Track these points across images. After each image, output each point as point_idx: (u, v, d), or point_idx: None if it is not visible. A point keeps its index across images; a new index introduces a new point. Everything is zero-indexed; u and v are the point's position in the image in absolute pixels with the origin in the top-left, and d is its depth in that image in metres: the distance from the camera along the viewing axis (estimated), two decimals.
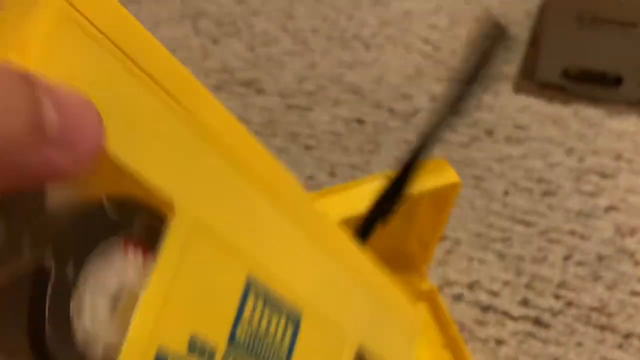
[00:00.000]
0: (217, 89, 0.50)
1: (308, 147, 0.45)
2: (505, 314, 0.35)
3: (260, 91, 0.50)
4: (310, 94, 0.49)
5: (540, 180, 0.42)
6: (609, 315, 0.35)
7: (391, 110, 0.47)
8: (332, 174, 0.44)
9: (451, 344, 0.33)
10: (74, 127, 0.12)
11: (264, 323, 0.18)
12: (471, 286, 0.37)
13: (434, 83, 0.49)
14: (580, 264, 0.37)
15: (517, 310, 0.35)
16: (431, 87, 0.48)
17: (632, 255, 0.37)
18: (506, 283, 0.37)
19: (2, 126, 0.11)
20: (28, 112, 0.11)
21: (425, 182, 0.28)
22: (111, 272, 0.15)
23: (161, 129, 0.15)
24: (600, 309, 0.35)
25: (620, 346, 0.34)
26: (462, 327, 0.35)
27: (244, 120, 0.48)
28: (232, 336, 0.17)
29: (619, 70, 0.44)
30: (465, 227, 0.39)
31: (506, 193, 0.41)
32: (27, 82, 0.11)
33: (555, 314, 0.35)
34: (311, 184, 0.43)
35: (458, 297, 0.36)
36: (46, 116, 0.11)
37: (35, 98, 0.11)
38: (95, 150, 0.12)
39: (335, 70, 0.50)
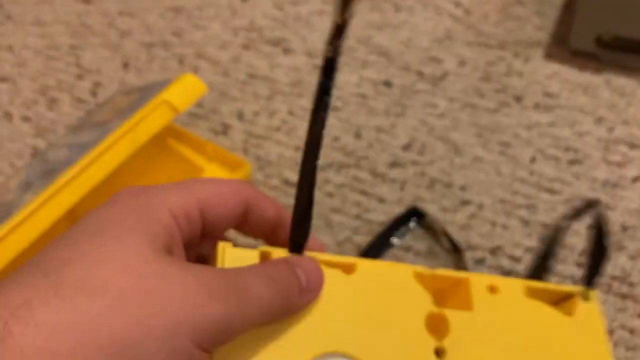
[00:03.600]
0: (244, 47, 0.50)
1: (334, 109, 0.45)
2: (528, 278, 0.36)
3: (287, 51, 0.49)
4: None
5: (567, 149, 0.41)
6: (631, 284, 0.35)
7: (419, 73, 0.47)
8: (357, 135, 0.44)
9: None
10: (312, 281, 0.24)
11: None
12: (493, 251, 0.37)
13: (464, 47, 0.48)
14: None
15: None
16: (461, 51, 0.48)
17: None
18: (529, 249, 0.37)
19: (290, 294, 0.23)
20: (297, 283, 0.23)
21: None
22: None
23: None
24: (622, 278, 0.35)
25: None
26: None
27: (271, 79, 0.48)
28: None
29: None
30: (489, 193, 0.39)
31: (533, 160, 0.41)
32: (291, 266, 0.23)
33: (576, 281, 0.35)
34: (336, 145, 0.43)
35: (480, 261, 0.37)
36: (302, 280, 0.23)
37: (297, 274, 0.23)
38: (320, 289, 0.24)
39: (364, 31, 0.50)
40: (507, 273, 0.36)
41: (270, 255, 0.25)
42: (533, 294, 0.30)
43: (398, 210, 0.39)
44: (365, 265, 0.27)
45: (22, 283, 0.19)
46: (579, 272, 0.36)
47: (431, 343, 0.26)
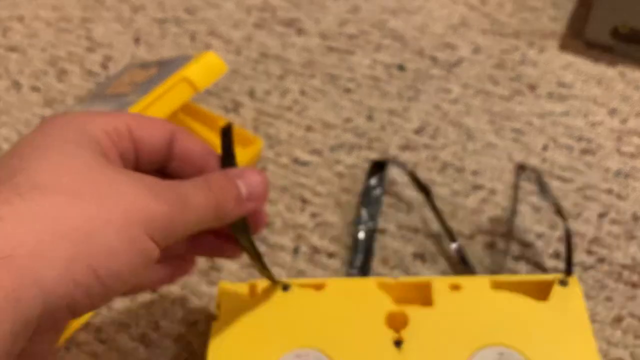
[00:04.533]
0: (257, 27, 0.50)
1: (347, 90, 0.45)
2: (537, 264, 0.35)
3: (300, 31, 0.49)
4: (352, 37, 0.48)
5: (580, 138, 0.41)
6: None
7: (433, 59, 0.46)
8: (369, 117, 0.43)
9: None
10: (254, 191, 0.26)
11: None
12: (504, 236, 0.37)
13: (479, 35, 0.48)
14: (615, 222, 0.37)
15: (549, 262, 0.35)
16: (475, 39, 0.47)
17: None
18: (539, 235, 0.37)
19: (228, 203, 0.25)
20: (234, 194, 0.25)
21: None
22: None
23: None
24: (633, 267, 0.35)
25: None
26: (493, 274, 0.35)
27: (283, 59, 0.47)
28: None
29: None
30: (501, 178, 0.39)
31: (545, 148, 0.41)
32: (230, 177, 0.25)
33: (586, 268, 0.35)
34: (348, 126, 0.43)
35: (490, 246, 0.36)
36: (242, 190, 0.25)
37: (236, 185, 0.25)
38: (265, 198, 0.27)
39: (379, 15, 0.50)
40: (517, 258, 0.36)
41: (256, 287, 0.31)
42: (503, 286, 0.31)
43: (409, 192, 0.39)
44: (334, 282, 0.32)
45: None
46: (589, 260, 0.35)
47: (390, 335, 0.30)
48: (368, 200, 0.38)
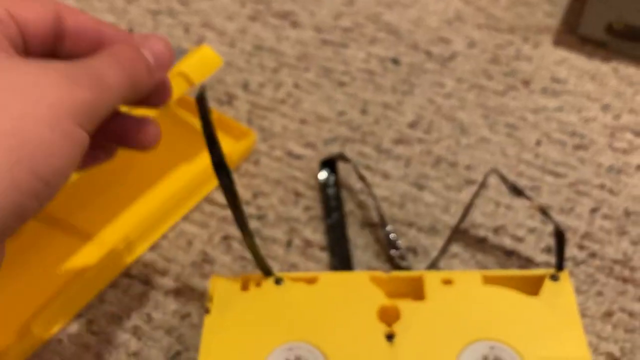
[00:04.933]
0: (251, 19, 0.50)
1: (341, 84, 0.45)
2: (528, 259, 0.36)
3: (295, 24, 0.49)
4: (346, 30, 0.48)
5: (573, 134, 0.41)
6: (632, 269, 0.35)
7: (428, 53, 0.46)
8: (363, 111, 0.43)
9: None
10: (160, 58, 0.26)
11: None
12: (496, 230, 0.37)
13: (473, 29, 0.48)
14: (607, 217, 0.37)
15: (540, 257, 0.36)
16: (470, 33, 0.47)
17: None
18: (531, 230, 0.37)
19: (141, 76, 0.25)
20: (145, 64, 0.25)
21: None
22: None
23: None
24: (624, 262, 0.35)
25: None
26: (484, 269, 0.35)
27: (277, 51, 0.47)
28: None
29: None
30: (492, 168, 0.39)
31: (538, 143, 0.41)
32: (136, 49, 0.25)
33: (578, 263, 0.35)
34: (342, 119, 0.43)
35: (482, 240, 0.36)
36: (150, 59, 0.25)
37: (144, 56, 0.25)
38: (170, 64, 0.27)
39: (373, 8, 0.50)
40: (509, 253, 0.36)
41: (249, 280, 0.31)
42: (494, 281, 0.31)
43: (402, 186, 0.39)
44: (326, 276, 0.32)
45: None
46: (580, 255, 0.36)
47: (382, 329, 0.30)
48: (326, 197, 0.38)
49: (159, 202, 0.38)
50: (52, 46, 0.24)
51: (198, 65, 0.36)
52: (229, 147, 0.40)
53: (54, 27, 0.24)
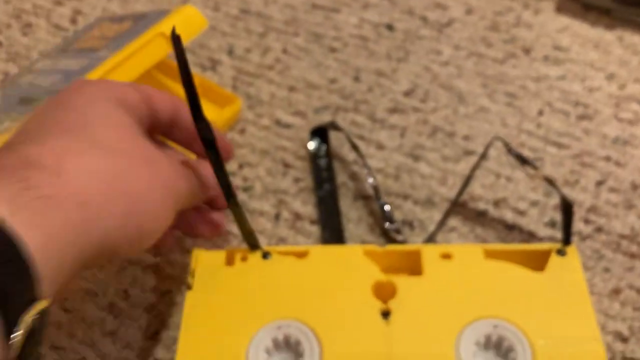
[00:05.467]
0: None
1: (332, 49, 0.43)
2: (531, 234, 0.34)
3: None
4: None
5: (577, 104, 0.39)
6: None
7: (424, 19, 0.44)
8: (356, 79, 0.41)
9: None
10: (206, 181, 0.28)
11: None
12: (497, 203, 0.35)
13: None
14: (613, 190, 0.35)
15: (544, 231, 0.34)
16: None
17: None
18: (534, 203, 0.35)
19: (206, 189, 0.28)
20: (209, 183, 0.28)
21: None
22: None
23: None
24: (631, 237, 0.33)
25: None
26: (485, 244, 0.33)
27: (265, 15, 0.45)
28: None
29: None
30: (495, 144, 0.37)
31: (540, 113, 0.39)
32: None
33: (583, 238, 0.33)
34: (333, 87, 0.40)
35: (482, 214, 0.34)
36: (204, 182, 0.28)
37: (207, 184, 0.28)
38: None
39: None
40: (510, 227, 0.34)
41: (234, 254, 0.29)
42: (497, 256, 0.29)
43: (397, 157, 0.37)
44: (317, 250, 0.29)
45: (49, 139, 0.22)
46: (586, 229, 0.34)
47: (377, 306, 0.28)
48: (317, 168, 0.36)
49: None
50: (163, 133, 0.29)
51: (181, 26, 0.34)
52: (213, 114, 0.37)
53: (172, 120, 0.28)
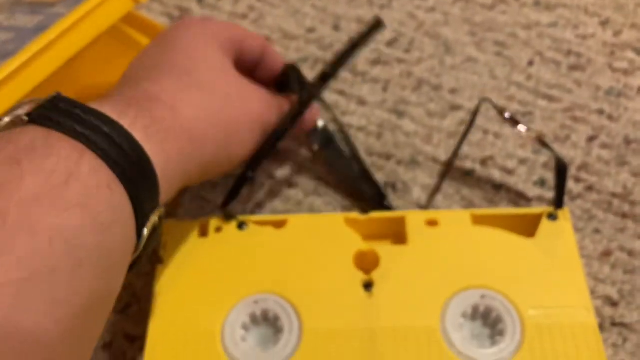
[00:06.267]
0: None
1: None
2: (519, 194, 0.32)
3: None
4: None
5: (569, 53, 0.37)
6: (632, 203, 0.32)
7: None
8: (336, 27, 0.38)
9: None
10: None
11: None
12: (484, 162, 0.33)
13: None
14: (605, 146, 0.33)
15: (533, 191, 0.32)
16: None
17: None
18: (523, 161, 0.33)
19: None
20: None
21: None
22: None
23: None
24: (624, 196, 0.32)
25: None
26: (471, 205, 0.32)
27: None
28: None
29: None
30: (482, 97, 0.35)
31: (531, 63, 0.37)
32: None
33: (573, 198, 0.32)
34: (311, 37, 0.38)
35: (469, 173, 0.33)
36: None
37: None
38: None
39: None
40: (498, 187, 0.32)
41: (208, 225, 0.28)
42: (485, 221, 0.27)
43: (380, 113, 0.35)
44: (296, 219, 0.28)
45: (163, 78, 0.25)
46: (577, 188, 0.32)
47: (359, 277, 0.26)
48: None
49: None
50: (249, 71, 0.31)
51: None
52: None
53: (258, 60, 0.31)
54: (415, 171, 0.33)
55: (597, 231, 0.31)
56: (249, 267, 0.27)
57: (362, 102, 0.35)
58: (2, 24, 0.34)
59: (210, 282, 0.27)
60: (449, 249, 0.27)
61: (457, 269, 0.26)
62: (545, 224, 0.27)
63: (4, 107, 0.28)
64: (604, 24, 0.38)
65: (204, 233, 0.28)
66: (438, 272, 0.26)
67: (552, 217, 0.27)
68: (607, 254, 0.30)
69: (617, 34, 0.38)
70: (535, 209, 0.28)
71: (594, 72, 0.36)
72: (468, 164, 0.33)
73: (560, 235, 0.27)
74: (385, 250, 0.27)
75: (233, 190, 0.28)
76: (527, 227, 0.27)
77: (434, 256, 0.27)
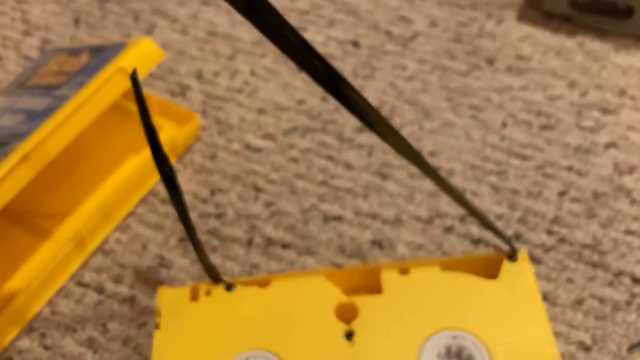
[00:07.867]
0: (204, 3, 0.47)
1: (300, 70, 0.43)
2: (497, 247, 0.35)
3: None
4: (304, 12, 0.46)
5: (539, 113, 0.40)
6: (602, 253, 0.34)
7: (388, 33, 0.45)
8: (324, 98, 0.42)
9: None
10: None
11: None
12: (463, 219, 0.36)
13: (435, 7, 0.46)
14: (575, 200, 0.36)
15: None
16: (431, 11, 0.46)
17: (629, 193, 0.36)
18: (499, 217, 0.36)
19: None
20: None
21: None
22: None
23: None
24: (593, 247, 0.34)
25: (610, 284, 0.33)
26: None
27: (232, 37, 0.45)
28: None
29: (631, 1, 0.42)
30: (459, 158, 0.38)
31: (504, 125, 0.40)
32: None
33: (547, 249, 0.34)
34: (301, 108, 0.41)
35: (449, 229, 0.35)
36: None
37: None
38: None
39: None
40: (477, 241, 0.35)
41: (198, 289, 0.30)
42: (452, 267, 0.30)
43: (365, 176, 0.38)
44: (279, 279, 0.30)
45: None
46: (549, 240, 0.35)
47: (340, 328, 0.28)
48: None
49: (109, 194, 0.37)
50: None
51: (138, 59, 0.35)
52: (173, 132, 0.39)
53: None
54: (400, 229, 0.35)
55: (569, 280, 0.33)
56: (239, 326, 0.29)
57: (349, 166, 0.38)
58: (10, 106, 0.37)
59: (203, 343, 0.29)
60: (421, 295, 0.29)
61: (429, 313, 0.29)
62: (506, 266, 0.30)
63: (24, 182, 0.31)
64: (571, 85, 0.41)
65: (195, 297, 0.30)
66: (412, 317, 0.29)
67: (511, 258, 0.30)
68: (579, 302, 0.33)
69: (583, 94, 0.41)
70: (496, 253, 0.30)
71: (563, 130, 0.39)
72: (448, 221, 0.36)
73: (520, 274, 0.29)
74: (363, 300, 0.29)
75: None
76: (491, 270, 0.30)
77: (408, 303, 0.29)
